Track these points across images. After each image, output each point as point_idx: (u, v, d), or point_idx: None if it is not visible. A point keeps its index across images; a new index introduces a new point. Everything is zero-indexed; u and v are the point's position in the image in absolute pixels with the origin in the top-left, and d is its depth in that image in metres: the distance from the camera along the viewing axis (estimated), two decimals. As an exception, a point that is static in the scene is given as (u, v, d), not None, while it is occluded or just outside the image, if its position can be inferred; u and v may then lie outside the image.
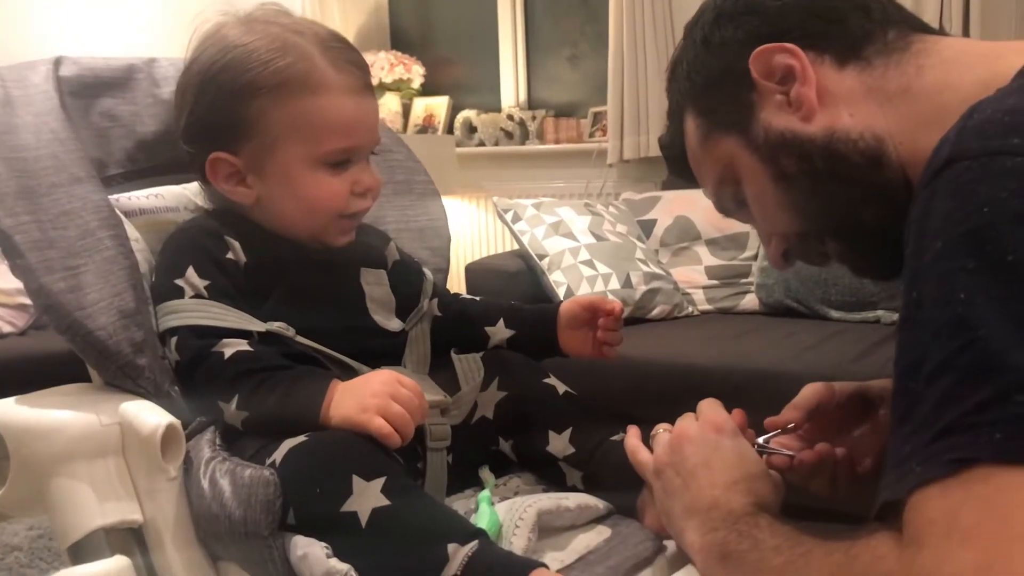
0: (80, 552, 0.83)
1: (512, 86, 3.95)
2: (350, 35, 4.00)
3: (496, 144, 3.86)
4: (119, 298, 0.92)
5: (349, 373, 0.97)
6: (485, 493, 0.96)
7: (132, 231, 1.04)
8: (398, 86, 4.02)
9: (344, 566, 0.78)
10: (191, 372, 0.92)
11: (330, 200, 1.02)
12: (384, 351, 1.04)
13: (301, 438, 0.85)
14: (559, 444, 1.01)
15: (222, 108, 1.00)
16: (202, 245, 0.98)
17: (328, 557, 0.78)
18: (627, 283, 2.59)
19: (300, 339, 0.96)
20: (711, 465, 0.85)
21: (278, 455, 0.84)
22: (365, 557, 0.78)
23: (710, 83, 0.91)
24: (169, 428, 0.85)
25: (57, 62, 1.07)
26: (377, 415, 0.84)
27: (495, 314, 1.14)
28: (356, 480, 0.80)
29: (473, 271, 2.67)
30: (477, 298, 1.19)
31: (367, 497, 0.79)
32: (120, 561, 0.83)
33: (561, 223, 2.68)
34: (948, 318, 0.62)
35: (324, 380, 0.89)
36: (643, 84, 3.35)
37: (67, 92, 1.06)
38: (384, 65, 3.97)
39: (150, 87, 1.13)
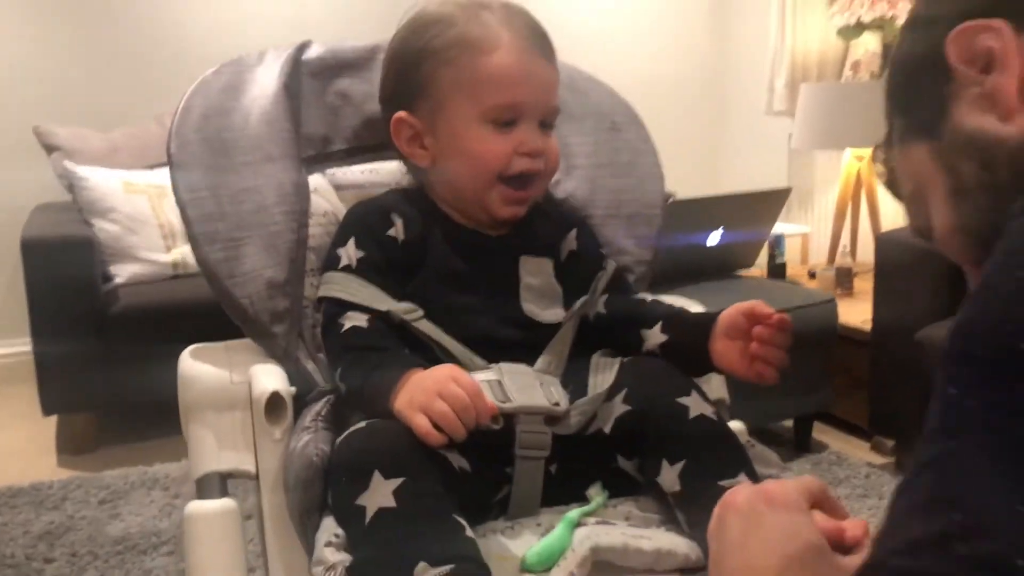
0: (200, 488, 0.97)
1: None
2: (833, -31, 3.72)
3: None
4: (272, 269, 1.03)
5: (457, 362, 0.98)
6: (573, 514, 0.91)
7: (333, 204, 1.14)
8: (880, 24, 3.67)
9: (338, 557, 0.81)
10: (324, 338, 1.01)
11: (491, 157, 1.02)
12: (524, 343, 1.02)
13: (360, 424, 0.88)
14: (669, 477, 0.92)
15: (404, 70, 1.06)
16: (368, 219, 1.06)
17: (327, 546, 0.81)
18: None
19: (420, 324, 0.99)
20: (747, 544, 0.71)
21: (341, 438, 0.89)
22: (360, 553, 0.80)
23: (907, 73, 0.75)
24: (273, 396, 0.94)
25: (302, 47, 1.19)
26: (420, 411, 0.85)
27: (656, 317, 1.05)
28: (376, 476, 0.82)
29: (883, 244, 2.39)
30: (650, 298, 1.10)
31: (379, 495, 0.81)
32: (226, 503, 0.95)
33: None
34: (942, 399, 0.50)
35: (402, 368, 0.91)
36: None
37: (306, 72, 1.18)
38: (864, 2, 3.64)
39: (389, 67, 1.21)
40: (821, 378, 2.55)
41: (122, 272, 2.76)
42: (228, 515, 0.95)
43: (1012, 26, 0.64)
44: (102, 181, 2.84)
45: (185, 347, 1.08)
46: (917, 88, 0.72)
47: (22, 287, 2.62)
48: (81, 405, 2.72)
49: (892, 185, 0.82)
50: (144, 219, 2.84)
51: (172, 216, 2.89)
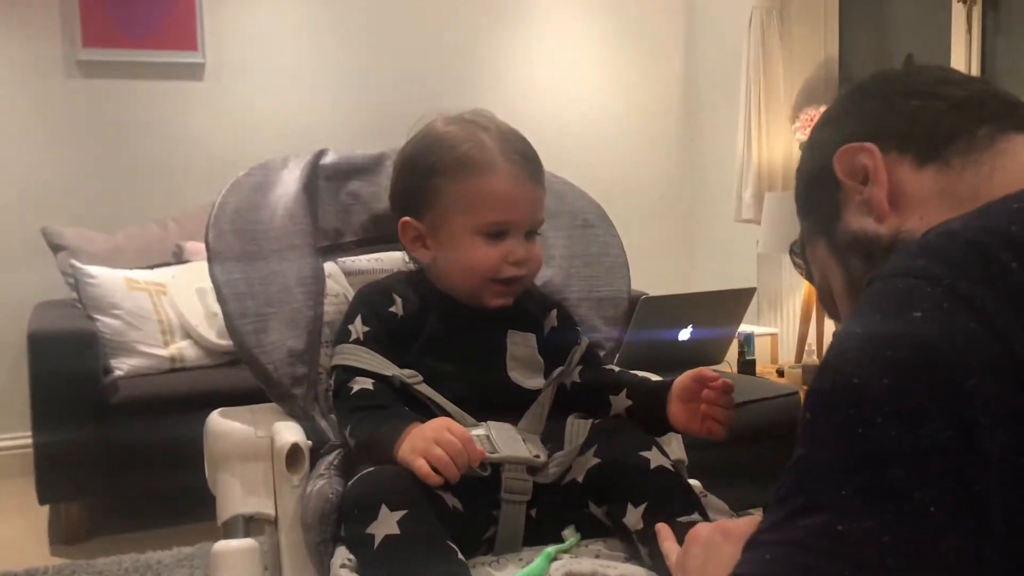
0: (227, 529, 1.12)
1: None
2: (794, 89, 4.01)
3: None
4: (293, 340, 1.19)
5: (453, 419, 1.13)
6: (551, 549, 1.05)
7: (343, 287, 1.31)
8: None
9: (349, 577, 0.95)
10: (335, 399, 1.17)
11: (482, 265, 1.19)
12: (509, 405, 1.18)
13: (369, 469, 1.04)
14: (633, 517, 1.07)
15: (413, 182, 1.23)
16: (372, 299, 1.23)
17: (342, 567, 0.96)
18: None
19: (420, 387, 1.15)
20: (706, 568, 0.86)
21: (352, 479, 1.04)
22: (370, 574, 0.95)
23: (808, 184, 0.93)
24: (293, 447, 1.10)
25: (320, 154, 1.38)
26: (421, 456, 1.00)
27: (623, 385, 1.21)
28: (383, 509, 0.97)
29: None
30: (616, 369, 1.26)
31: (385, 524, 0.96)
32: (248, 542, 1.10)
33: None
34: (802, 423, 0.65)
35: (405, 423, 1.07)
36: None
37: (323, 176, 1.37)
38: (822, 119, 3.91)
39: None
40: (787, 467, 2.69)
41: (122, 365, 2.90)
42: (250, 552, 1.09)
43: (880, 148, 0.82)
44: (106, 278, 3.00)
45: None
46: (816, 196, 0.90)
47: (22, 380, 2.74)
48: (77, 494, 2.81)
49: (809, 276, 1.00)
50: (145, 315, 2.99)
51: (171, 312, 3.05)
